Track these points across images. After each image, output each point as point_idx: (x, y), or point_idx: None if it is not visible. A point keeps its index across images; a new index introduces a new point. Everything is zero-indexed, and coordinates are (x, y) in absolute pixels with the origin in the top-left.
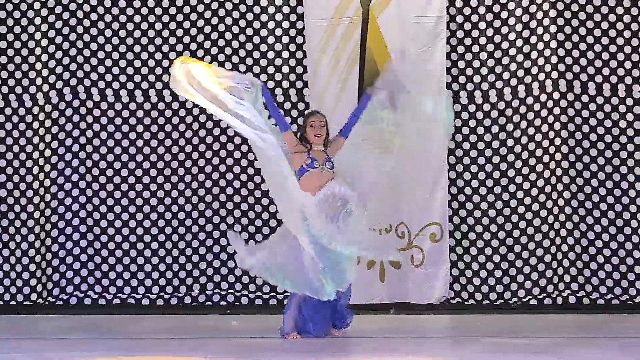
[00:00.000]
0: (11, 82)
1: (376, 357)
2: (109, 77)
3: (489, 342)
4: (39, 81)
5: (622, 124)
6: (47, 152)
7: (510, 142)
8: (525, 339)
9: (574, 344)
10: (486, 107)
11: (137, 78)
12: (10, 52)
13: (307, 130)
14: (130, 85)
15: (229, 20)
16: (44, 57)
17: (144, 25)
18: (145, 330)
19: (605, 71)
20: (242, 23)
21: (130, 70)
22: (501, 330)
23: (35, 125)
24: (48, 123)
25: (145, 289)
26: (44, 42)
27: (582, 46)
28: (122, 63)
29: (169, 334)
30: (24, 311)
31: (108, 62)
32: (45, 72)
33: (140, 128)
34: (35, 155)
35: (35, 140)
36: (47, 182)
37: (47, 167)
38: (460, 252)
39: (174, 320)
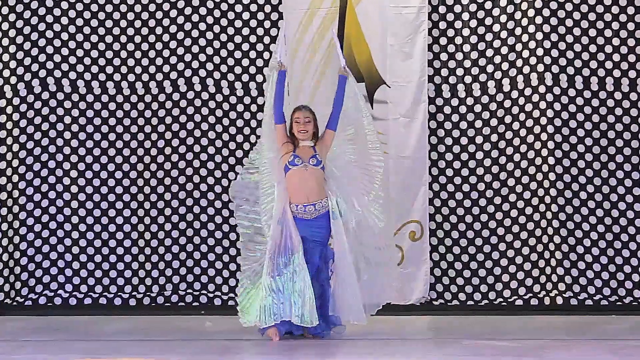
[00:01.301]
0: None
1: (353, 359)
2: (80, 68)
3: (470, 344)
4: (5, 73)
5: (610, 118)
6: (15, 147)
7: (494, 138)
8: (508, 341)
9: (560, 346)
10: (469, 100)
11: (124, 69)
12: None
13: (293, 126)
14: (109, 83)
15: (202, 11)
16: (12, 49)
17: (119, 18)
18: (117, 331)
19: (593, 64)
20: (217, 13)
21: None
22: (484, 332)
23: (2, 119)
24: (16, 117)
25: (117, 288)
26: (12, 33)
27: (569, 38)
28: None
29: (141, 335)
30: None
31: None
32: (13, 64)
33: (113, 121)
34: (2, 149)
35: (2, 134)
36: (15, 178)
37: (15, 162)
38: (442, 251)
39: (146, 320)
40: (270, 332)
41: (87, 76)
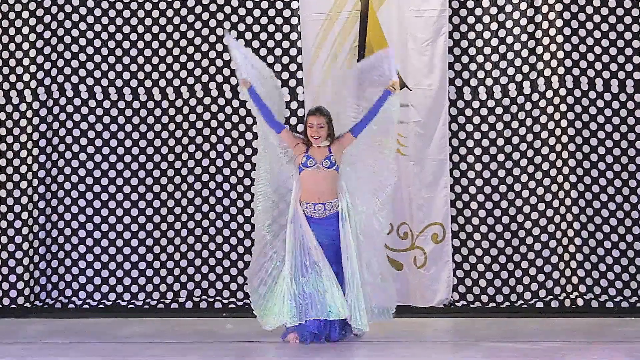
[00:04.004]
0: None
1: None
2: (107, 75)
3: (489, 346)
4: (26, 77)
5: (631, 120)
6: (35, 151)
7: (515, 140)
8: (528, 343)
9: (579, 349)
10: (490, 103)
11: (141, 75)
12: None
13: (306, 129)
14: (120, 84)
15: (220, 16)
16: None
17: (136, 23)
18: (134, 334)
19: (613, 67)
20: (234, 19)
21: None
22: (505, 334)
23: (23, 123)
24: (36, 121)
25: (131, 295)
26: (32, 37)
27: (590, 41)
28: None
29: (157, 338)
30: (10, 315)
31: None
32: (33, 68)
33: (129, 127)
34: (23, 154)
35: (23, 138)
36: (35, 182)
37: (35, 167)
38: (465, 252)
39: (162, 323)
40: (290, 337)
41: (97, 74)
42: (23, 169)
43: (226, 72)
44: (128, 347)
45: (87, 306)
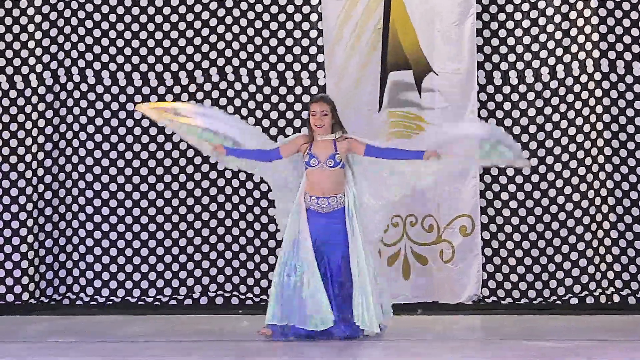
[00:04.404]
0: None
1: None
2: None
3: (519, 345)
4: (32, 77)
5: None
6: (49, 146)
7: (548, 127)
8: (561, 341)
9: (614, 347)
10: (522, 88)
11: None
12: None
13: (310, 118)
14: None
15: (236, 12)
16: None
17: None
18: (140, 333)
19: None
20: (251, 15)
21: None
22: (536, 332)
23: (34, 116)
24: (44, 119)
25: (141, 292)
26: (38, 35)
27: (626, 22)
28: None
29: (160, 337)
30: (14, 312)
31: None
32: (39, 68)
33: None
34: (34, 149)
35: (34, 132)
36: (41, 172)
37: (41, 155)
38: (495, 246)
39: (167, 322)
40: (264, 331)
41: (97, 66)
42: (28, 157)
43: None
44: (128, 347)
45: (94, 303)
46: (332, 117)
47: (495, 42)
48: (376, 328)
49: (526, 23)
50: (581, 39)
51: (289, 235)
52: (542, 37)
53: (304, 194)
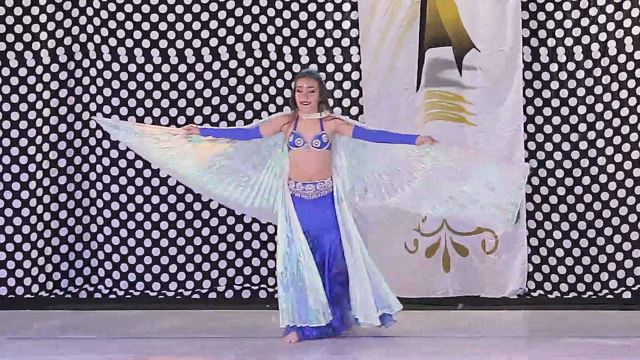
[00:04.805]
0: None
1: (432, 359)
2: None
3: (567, 342)
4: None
5: None
6: (70, 135)
7: (599, 107)
8: (613, 338)
9: None
10: (570, 66)
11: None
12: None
13: (295, 95)
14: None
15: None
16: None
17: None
18: (163, 329)
19: None
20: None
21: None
22: (586, 327)
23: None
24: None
25: (162, 285)
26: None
27: None
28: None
29: (190, 332)
30: (24, 306)
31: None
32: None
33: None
34: (45, 130)
35: (53, 120)
36: (54, 155)
37: (62, 145)
38: (541, 236)
39: (199, 315)
40: (289, 338)
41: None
42: (45, 147)
43: (258, 54)
44: (154, 343)
45: (114, 296)
46: (319, 94)
47: (541, 16)
48: (375, 321)
49: None
50: (635, 12)
51: (283, 231)
52: (593, 11)
53: (288, 181)
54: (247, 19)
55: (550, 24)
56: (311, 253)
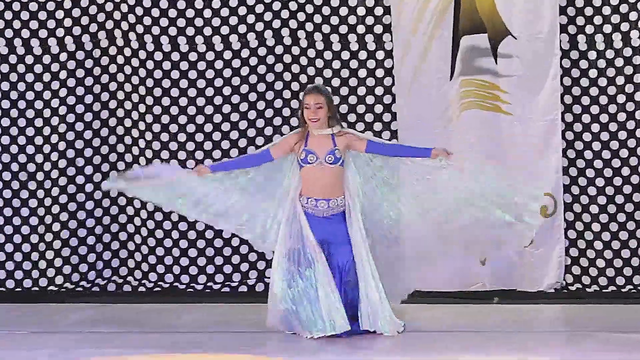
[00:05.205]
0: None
1: (468, 354)
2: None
3: (606, 337)
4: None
5: None
6: (104, 131)
7: (638, 96)
8: None
9: None
10: (609, 54)
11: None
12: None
13: (303, 112)
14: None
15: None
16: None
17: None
18: (194, 321)
19: None
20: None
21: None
22: (626, 322)
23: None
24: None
25: (190, 278)
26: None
27: None
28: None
29: (222, 326)
30: (46, 299)
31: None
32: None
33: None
34: (79, 127)
35: (88, 117)
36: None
37: (89, 134)
38: (580, 228)
39: (229, 309)
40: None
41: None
42: (70, 135)
43: (287, 41)
44: (186, 337)
45: (143, 288)
46: (327, 109)
47: (579, 2)
48: (391, 331)
49: None
50: None
51: (285, 246)
52: None
53: (300, 197)
54: (276, 5)
55: (589, 11)
56: (326, 262)
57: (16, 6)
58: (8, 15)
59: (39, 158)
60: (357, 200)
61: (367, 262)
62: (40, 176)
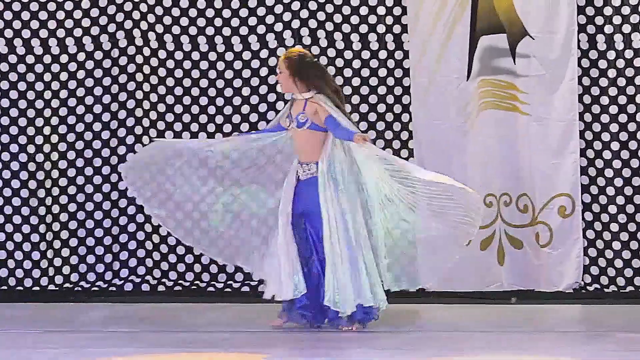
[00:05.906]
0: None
1: (484, 354)
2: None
3: (624, 337)
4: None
5: None
6: (114, 124)
7: None
8: None
9: None
10: (628, 53)
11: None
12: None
13: None
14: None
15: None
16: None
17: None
18: (213, 322)
19: None
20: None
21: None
22: None
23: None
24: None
25: (210, 276)
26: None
27: None
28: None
29: (242, 326)
30: (59, 298)
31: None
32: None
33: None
34: (97, 127)
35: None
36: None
37: (89, 135)
38: (598, 228)
39: (248, 309)
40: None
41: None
42: (89, 135)
43: (307, 41)
44: (204, 337)
45: (162, 287)
46: (289, 74)
47: (598, 2)
48: (348, 309)
49: None
50: None
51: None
52: None
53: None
54: (295, 5)
55: (607, 11)
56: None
57: (34, 6)
58: (25, 15)
59: (54, 156)
60: (341, 163)
61: (342, 233)
62: (55, 174)
